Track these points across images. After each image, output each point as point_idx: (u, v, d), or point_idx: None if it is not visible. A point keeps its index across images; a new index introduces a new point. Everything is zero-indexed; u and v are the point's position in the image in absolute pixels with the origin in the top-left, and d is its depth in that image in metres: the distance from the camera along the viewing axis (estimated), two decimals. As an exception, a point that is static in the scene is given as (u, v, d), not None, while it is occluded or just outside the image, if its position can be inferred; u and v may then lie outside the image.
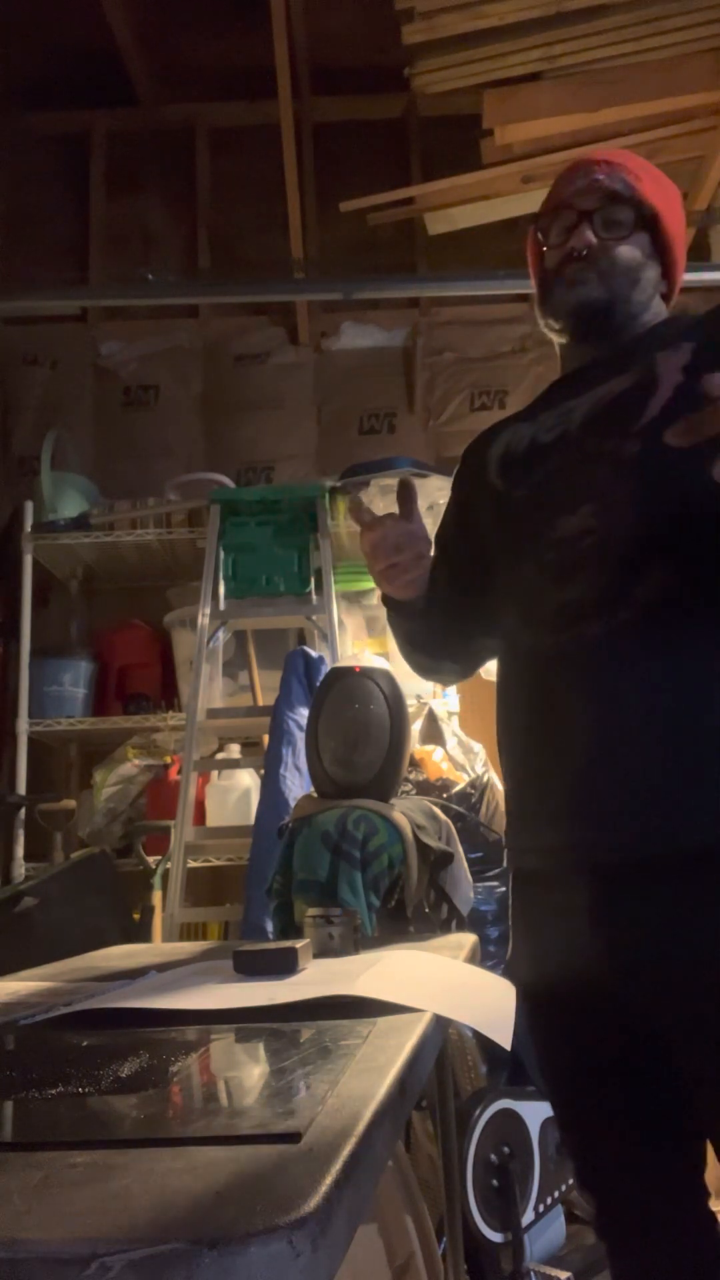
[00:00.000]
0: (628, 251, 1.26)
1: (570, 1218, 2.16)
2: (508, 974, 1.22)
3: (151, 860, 2.97)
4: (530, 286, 1.37)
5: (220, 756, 3.19)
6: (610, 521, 1.14)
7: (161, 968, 1.22)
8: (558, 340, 1.34)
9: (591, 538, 1.15)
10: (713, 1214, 1.18)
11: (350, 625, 3.20)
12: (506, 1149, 1.98)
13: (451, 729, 2.95)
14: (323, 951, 1.20)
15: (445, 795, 2.53)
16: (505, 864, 1.37)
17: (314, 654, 2.85)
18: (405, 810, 2.02)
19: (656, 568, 1.11)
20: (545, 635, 1.17)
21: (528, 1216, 1.98)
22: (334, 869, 1.89)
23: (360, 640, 3.21)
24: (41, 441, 3.57)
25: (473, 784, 2.62)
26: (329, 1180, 0.47)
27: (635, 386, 1.19)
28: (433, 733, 2.93)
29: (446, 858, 2.01)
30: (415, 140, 4.00)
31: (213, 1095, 0.69)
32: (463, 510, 1.42)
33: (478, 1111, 1.96)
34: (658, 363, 1.19)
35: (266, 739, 2.81)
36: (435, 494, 3.18)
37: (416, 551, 1.31)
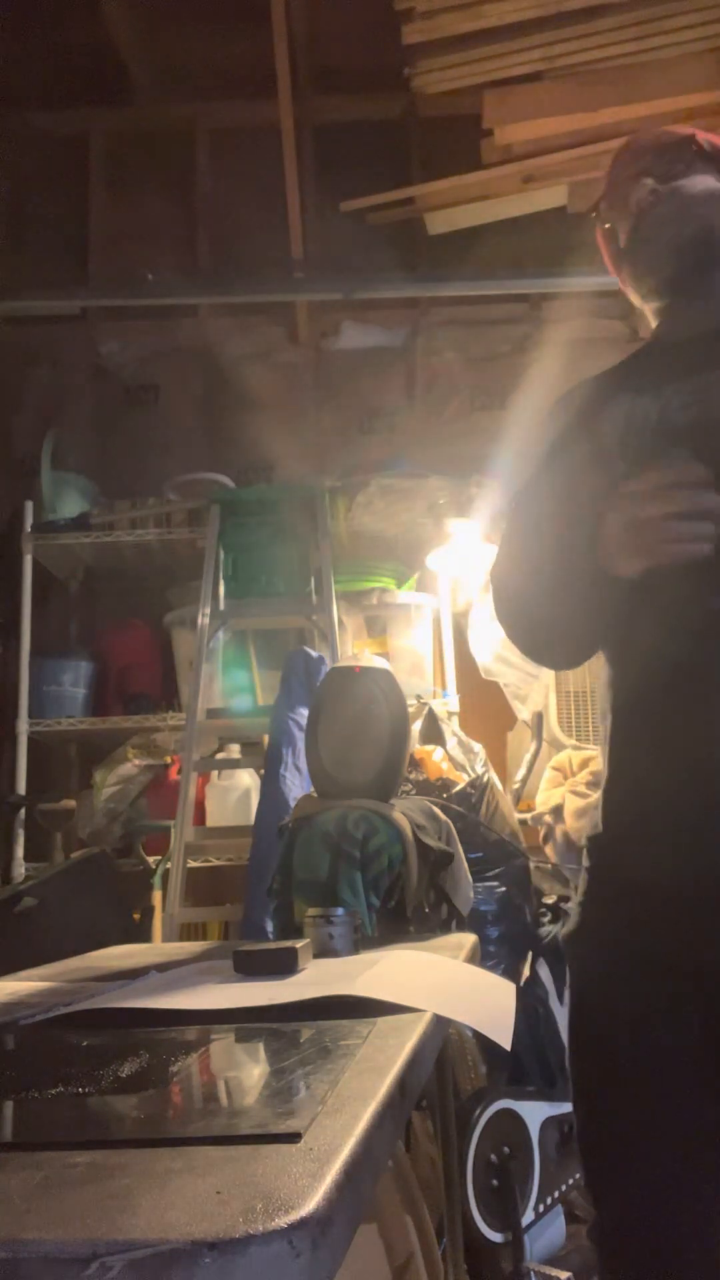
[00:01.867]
0: (694, 185, 1.19)
1: (570, 1218, 2.16)
2: (565, 945, 1.17)
3: (151, 860, 2.97)
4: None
5: (220, 756, 3.19)
6: None
7: (161, 968, 1.22)
8: (658, 305, 1.25)
9: None
10: None
11: (350, 625, 3.20)
12: (506, 1149, 1.98)
13: (451, 729, 2.95)
14: (323, 951, 1.20)
15: (445, 795, 2.53)
16: (585, 861, 1.23)
17: (314, 654, 2.85)
18: (405, 810, 2.02)
19: None
20: (697, 645, 1.07)
21: (528, 1216, 1.98)
22: (334, 869, 1.89)
23: (360, 640, 3.21)
24: (41, 441, 3.57)
25: (473, 784, 2.62)
26: (329, 1180, 0.47)
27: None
28: (433, 733, 2.93)
29: (446, 858, 2.01)
30: (415, 140, 4.00)
31: (213, 1095, 0.69)
32: (567, 484, 1.21)
33: (478, 1111, 1.96)
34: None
35: (266, 739, 2.81)
36: (435, 494, 3.18)
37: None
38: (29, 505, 3.38)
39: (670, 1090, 1.06)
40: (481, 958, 1.59)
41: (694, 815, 1.05)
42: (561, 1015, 2.19)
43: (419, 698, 2.94)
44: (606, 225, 1.27)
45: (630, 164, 1.24)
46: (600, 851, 1.18)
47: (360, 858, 1.89)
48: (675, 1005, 1.05)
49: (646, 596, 1.10)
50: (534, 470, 1.28)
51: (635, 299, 1.26)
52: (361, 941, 1.27)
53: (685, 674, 1.08)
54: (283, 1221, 0.42)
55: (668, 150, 1.22)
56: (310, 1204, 0.44)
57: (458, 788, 2.59)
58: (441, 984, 1.10)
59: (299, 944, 1.09)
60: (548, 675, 2.99)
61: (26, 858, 3.19)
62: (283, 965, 1.06)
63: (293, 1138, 0.54)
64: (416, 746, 2.77)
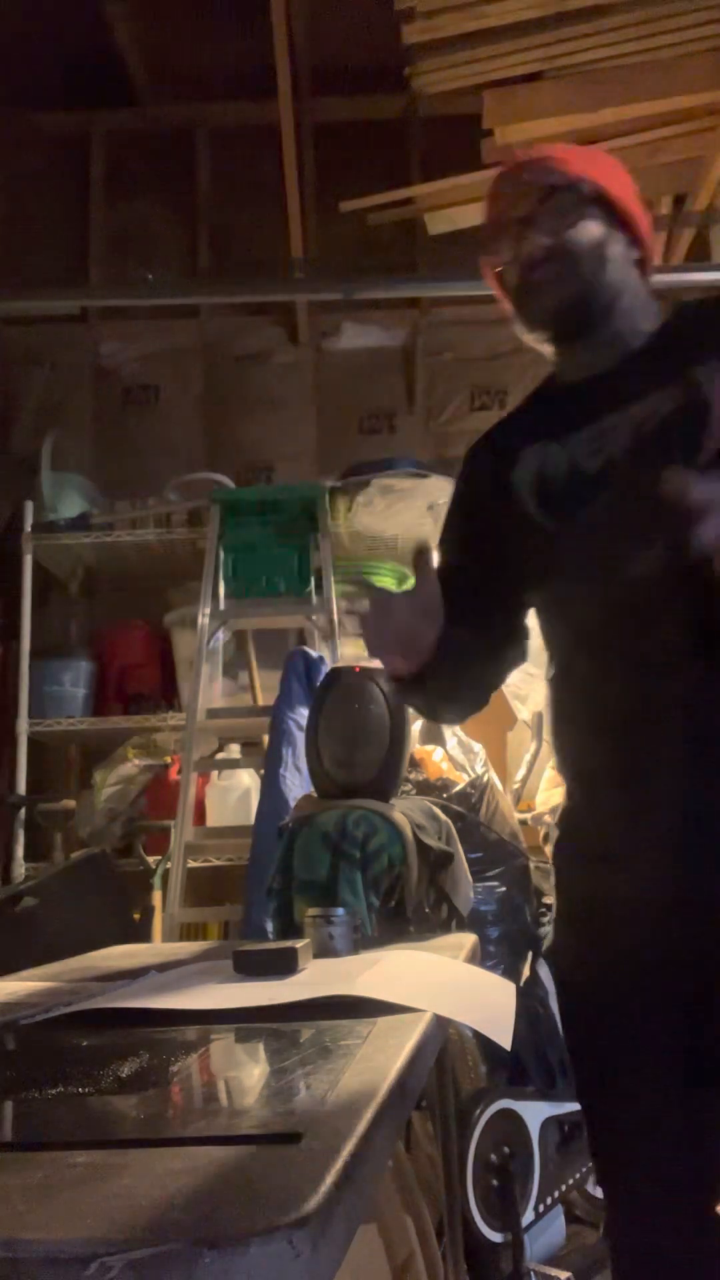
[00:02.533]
0: (584, 231, 1.18)
1: (570, 1218, 2.16)
2: (549, 961, 1.23)
3: (151, 860, 2.97)
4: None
5: (220, 756, 3.19)
6: (684, 567, 1.06)
7: (161, 968, 1.22)
8: (548, 350, 1.28)
9: (669, 582, 1.09)
10: None
11: (350, 625, 3.20)
12: (506, 1149, 1.98)
13: (451, 729, 2.95)
14: (323, 951, 1.20)
15: (445, 795, 2.53)
16: (551, 863, 1.32)
17: (314, 654, 2.85)
18: (405, 810, 2.02)
19: None
20: (624, 687, 1.14)
21: (528, 1216, 1.97)
22: (334, 869, 1.89)
23: (360, 640, 3.21)
24: (41, 441, 3.57)
25: (473, 784, 2.62)
26: (329, 1180, 0.47)
27: (682, 413, 1.13)
28: (433, 733, 2.93)
29: (446, 858, 2.01)
30: (415, 140, 4.00)
31: (213, 1095, 0.69)
32: (481, 535, 1.31)
33: (478, 1111, 1.95)
34: (700, 384, 1.13)
35: (266, 739, 2.81)
36: (435, 494, 3.18)
37: (427, 632, 1.19)
38: (29, 505, 3.38)
39: (657, 1090, 1.12)
40: (481, 958, 1.59)
41: (644, 843, 1.12)
42: (561, 1015, 2.18)
43: (419, 698, 2.93)
44: (497, 269, 1.25)
45: (520, 201, 1.21)
46: (560, 871, 1.28)
47: (360, 858, 1.89)
48: (648, 1016, 1.12)
49: (575, 636, 1.21)
50: (449, 522, 1.37)
51: (527, 338, 1.28)
52: (361, 941, 1.27)
53: (630, 713, 1.14)
54: (283, 1221, 0.42)
55: (558, 197, 1.19)
56: (310, 1204, 0.44)
57: (458, 788, 2.58)
58: (441, 984, 1.10)
59: (299, 944, 1.09)
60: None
61: (26, 858, 3.19)
62: (283, 965, 1.06)
63: (293, 1138, 0.54)
64: (416, 746, 2.77)
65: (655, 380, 1.16)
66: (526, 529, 1.23)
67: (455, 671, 1.27)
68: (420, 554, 1.21)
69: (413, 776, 2.60)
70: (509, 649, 1.33)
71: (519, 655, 1.35)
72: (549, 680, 1.27)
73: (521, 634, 1.33)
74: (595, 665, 1.18)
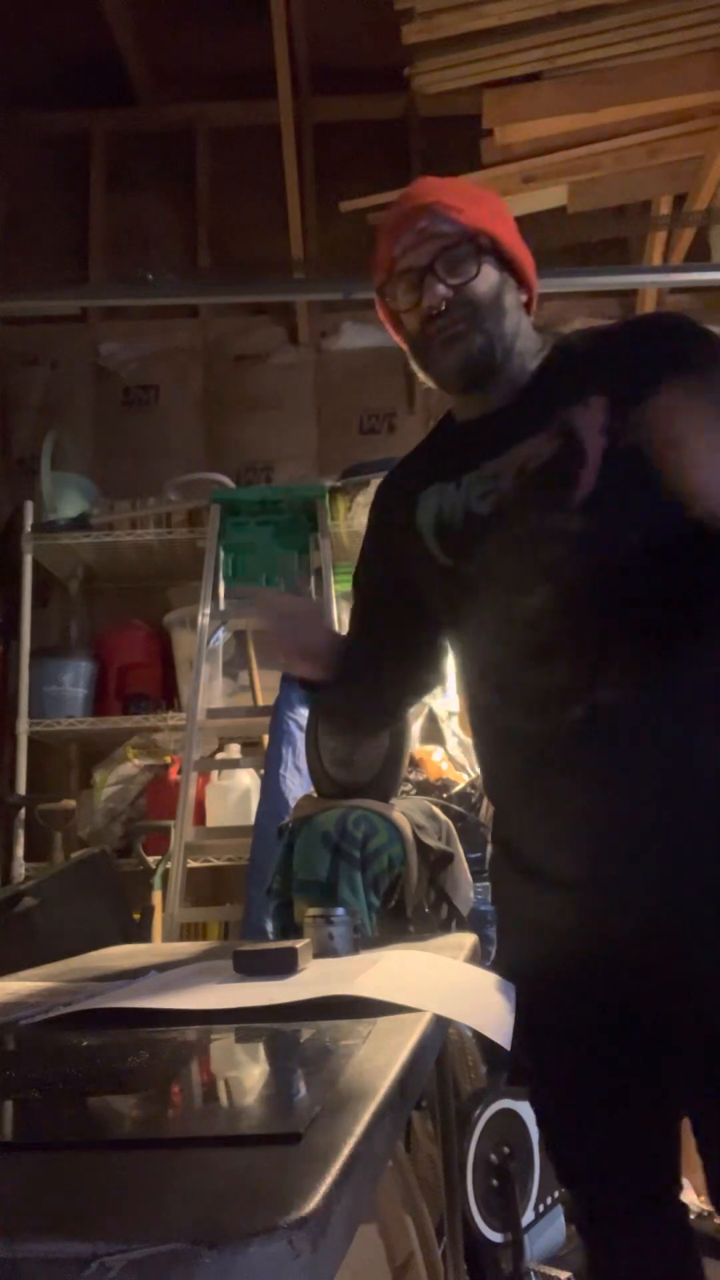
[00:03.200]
0: (482, 286, 1.21)
1: (570, 1218, 2.16)
2: (495, 965, 1.26)
3: (151, 860, 2.97)
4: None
5: (220, 756, 3.19)
6: (572, 602, 1.14)
7: (161, 968, 1.22)
8: (446, 393, 1.31)
9: (557, 619, 1.15)
10: (684, 1206, 1.25)
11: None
12: (506, 1149, 1.98)
13: (451, 729, 2.95)
14: (323, 951, 1.20)
15: (445, 795, 2.53)
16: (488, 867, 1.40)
17: (314, 654, 2.84)
18: (405, 810, 2.02)
19: (626, 644, 1.12)
20: (527, 718, 1.17)
21: (528, 1216, 1.98)
22: (334, 869, 1.89)
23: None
24: (41, 441, 3.57)
25: (473, 784, 2.62)
26: (329, 1180, 0.47)
27: (561, 454, 1.17)
28: (433, 733, 2.93)
29: (446, 858, 2.01)
30: (415, 140, 4.00)
31: (213, 1095, 0.69)
32: (392, 570, 1.38)
33: (478, 1111, 1.95)
34: (576, 424, 1.17)
35: (266, 739, 2.81)
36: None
37: (319, 636, 1.38)
38: (29, 505, 3.38)
39: (590, 1095, 1.22)
40: (481, 958, 1.59)
41: (557, 864, 1.18)
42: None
43: (419, 698, 2.94)
44: (397, 312, 1.27)
45: (418, 249, 1.21)
46: (494, 884, 1.36)
47: (360, 858, 1.89)
48: (576, 1021, 1.21)
49: (479, 671, 1.27)
50: (365, 552, 1.44)
51: (423, 378, 1.30)
52: (361, 941, 1.27)
53: (529, 745, 1.18)
54: (283, 1221, 0.42)
55: (456, 249, 1.20)
56: (310, 1204, 0.44)
57: (458, 788, 2.58)
58: (441, 984, 1.10)
59: (299, 944, 1.09)
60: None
61: (26, 858, 3.19)
62: (283, 965, 1.06)
63: (293, 1138, 0.54)
64: (416, 746, 2.77)
65: (536, 421, 1.20)
66: (431, 569, 1.29)
67: (364, 686, 1.40)
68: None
69: (413, 776, 2.61)
70: (424, 673, 1.42)
71: (435, 680, 1.45)
72: (465, 711, 1.37)
73: (436, 660, 1.42)
74: (499, 698, 1.22)
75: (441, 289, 1.20)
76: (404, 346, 1.31)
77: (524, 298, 1.28)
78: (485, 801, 2.58)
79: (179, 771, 2.95)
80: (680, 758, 1.10)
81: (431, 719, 2.95)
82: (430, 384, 1.30)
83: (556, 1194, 2.07)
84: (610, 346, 1.25)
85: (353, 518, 3.29)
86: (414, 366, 1.30)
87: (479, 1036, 2.04)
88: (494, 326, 1.22)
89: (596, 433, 1.16)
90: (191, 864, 2.91)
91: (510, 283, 1.25)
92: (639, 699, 1.11)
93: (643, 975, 1.14)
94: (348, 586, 3.21)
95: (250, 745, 3.17)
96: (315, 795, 2.16)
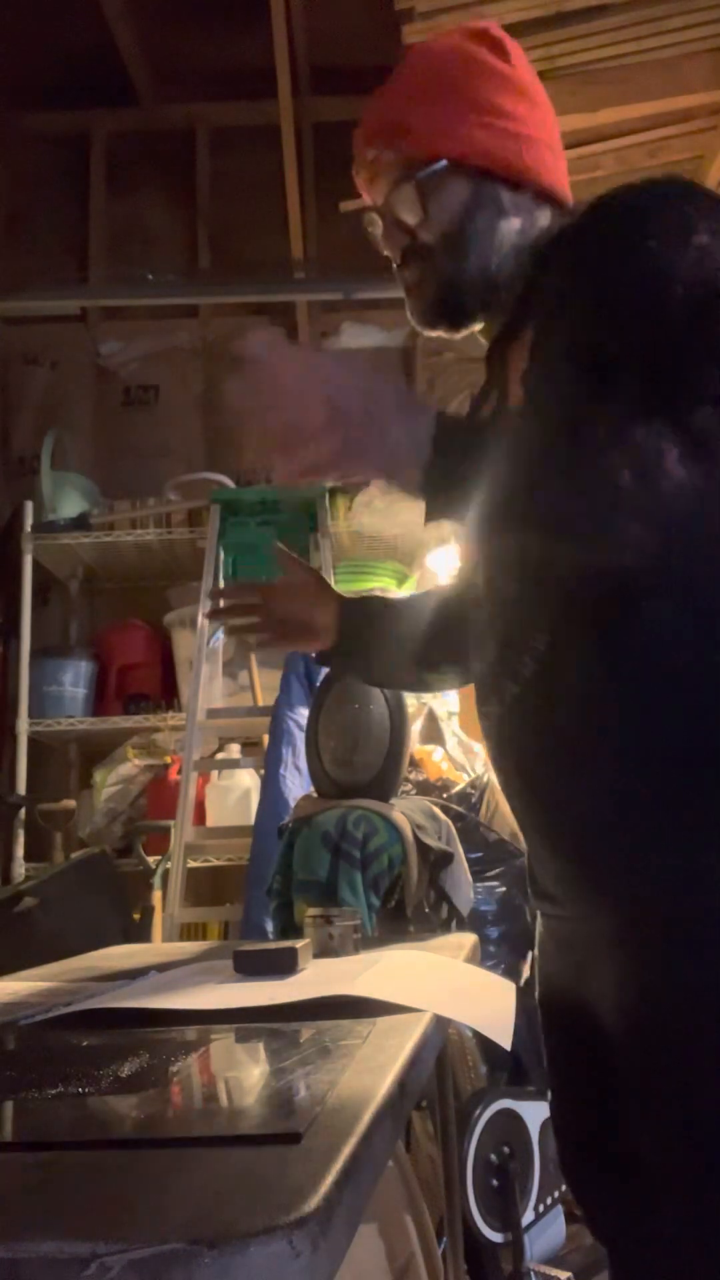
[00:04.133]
0: (439, 221, 1.04)
1: (570, 1218, 2.16)
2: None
3: (151, 860, 2.97)
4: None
5: (220, 756, 3.19)
6: (496, 588, 1.04)
7: (161, 968, 1.22)
8: None
9: (487, 607, 1.06)
10: None
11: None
12: (506, 1149, 1.98)
13: (451, 729, 2.95)
14: (323, 951, 1.20)
15: (445, 795, 2.53)
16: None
17: (314, 654, 2.84)
18: (405, 810, 2.02)
19: (534, 639, 0.99)
20: (482, 704, 1.10)
21: (528, 1216, 1.98)
22: (334, 869, 1.89)
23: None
24: (41, 441, 3.57)
25: (473, 784, 2.62)
26: (329, 1180, 0.47)
27: (496, 408, 1.04)
28: (433, 733, 2.93)
29: (446, 858, 2.01)
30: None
31: (213, 1095, 0.69)
32: None
33: (478, 1111, 1.95)
34: (508, 369, 1.02)
35: (266, 739, 2.81)
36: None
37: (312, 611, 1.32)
38: (29, 505, 3.38)
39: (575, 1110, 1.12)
40: (481, 958, 1.59)
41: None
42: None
43: (419, 698, 2.94)
44: (376, 236, 1.14)
45: (372, 186, 1.10)
46: None
47: (360, 858, 1.89)
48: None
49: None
50: None
51: None
52: (361, 941, 1.27)
53: (485, 723, 1.10)
54: (283, 1221, 0.42)
55: (401, 173, 1.06)
56: (310, 1204, 0.44)
57: (458, 788, 2.58)
58: (441, 984, 1.10)
59: (299, 944, 1.09)
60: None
61: (26, 858, 3.19)
62: (283, 965, 1.06)
63: (293, 1138, 0.53)
64: (416, 746, 2.77)
65: (494, 363, 1.07)
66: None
67: (393, 646, 1.31)
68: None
69: (413, 776, 2.61)
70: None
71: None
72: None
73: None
74: (475, 681, 1.14)
75: (397, 233, 1.07)
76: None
77: (530, 194, 1.06)
78: (485, 801, 2.58)
79: (179, 771, 2.95)
80: (568, 768, 0.98)
81: (431, 719, 2.95)
82: None
83: (556, 1194, 2.07)
84: (558, 249, 1.02)
85: (353, 518, 3.29)
86: None
87: (479, 1036, 2.04)
88: (457, 265, 1.05)
89: (516, 383, 1.00)
90: (191, 864, 2.91)
91: (490, 191, 1.05)
92: (539, 700, 1.00)
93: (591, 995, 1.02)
94: (348, 587, 3.23)
95: (250, 745, 3.17)
96: (315, 795, 2.15)
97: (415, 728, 2.84)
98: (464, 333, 1.13)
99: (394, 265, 1.12)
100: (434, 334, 1.14)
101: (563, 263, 0.99)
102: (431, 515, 0.93)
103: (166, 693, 3.45)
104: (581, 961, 1.03)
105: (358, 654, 1.36)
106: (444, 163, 1.04)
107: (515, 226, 1.05)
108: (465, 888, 2.08)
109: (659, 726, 0.93)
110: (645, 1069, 0.93)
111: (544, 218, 1.06)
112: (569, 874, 1.01)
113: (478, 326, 1.12)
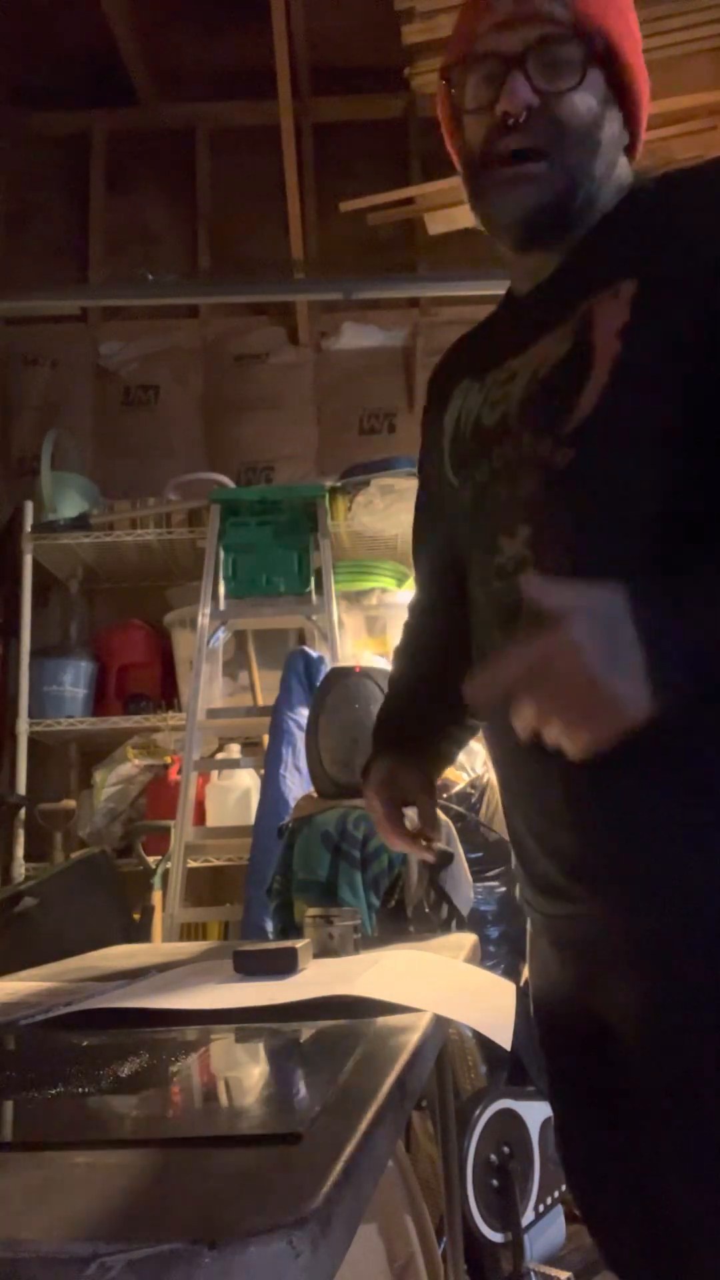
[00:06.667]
0: (581, 104, 0.90)
1: (570, 1218, 2.16)
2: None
3: (151, 860, 2.97)
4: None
5: (220, 756, 3.19)
6: (544, 554, 0.90)
7: (161, 968, 1.22)
8: (501, 244, 0.99)
9: (527, 572, 0.90)
10: None
11: (350, 625, 3.20)
12: (506, 1149, 1.98)
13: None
14: (323, 951, 1.20)
15: (445, 795, 2.53)
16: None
17: (314, 654, 2.85)
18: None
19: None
20: (511, 762, 0.98)
21: (528, 1216, 1.98)
22: (334, 869, 1.89)
23: (360, 640, 3.21)
24: (41, 441, 3.57)
25: (473, 784, 2.62)
26: (329, 1180, 0.47)
27: (569, 360, 0.89)
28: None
29: (446, 858, 2.00)
30: (415, 140, 4.00)
31: (213, 1095, 0.69)
32: (429, 496, 1.17)
33: (478, 1111, 1.95)
34: (595, 319, 0.88)
35: (266, 739, 2.81)
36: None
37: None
38: (29, 505, 3.38)
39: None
40: (481, 958, 1.59)
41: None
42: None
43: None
44: (460, 109, 0.97)
45: (512, 28, 0.90)
46: None
47: (360, 858, 1.89)
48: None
49: (473, 620, 1.04)
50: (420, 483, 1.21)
51: (471, 214, 0.99)
52: (361, 941, 1.27)
53: (496, 723, 0.98)
54: (283, 1221, 0.42)
55: (559, 46, 0.90)
56: (310, 1204, 0.44)
57: (458, 788, 2.58)
58: (441, 984, 1.10)
59: (299, 944, 1.09)
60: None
61: (26, 858, 3.19)
62: (283, 965, 1.06)
63: (293, 1138, 0.54)
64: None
65: (563, 308, 0.92)
66: (446, 489, 1.05)
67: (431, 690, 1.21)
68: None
69: (413, 776, 2.60)
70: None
71: None
72: None
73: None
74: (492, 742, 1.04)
75: (526, 92, 0.89)
76: (455, 161, 1.00)
77: (626, 140, 0.97)
78: (485, 801, 2.58)
79: (179, 771, 2.95)
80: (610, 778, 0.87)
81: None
82: (478, 224, 0.98)
83: (556, 1194, 2.07)
84: (677, 197, 0.90)
85: (353, 518, 3.29)
86: (465, 195, 0.98)
87: (479, 1036, 2.04)
88: (581, 164, 0.91)
89: (613, 336, 0.86)
90: (191, 864, 2.91)
91: (615, 112, 0.94)
92: None
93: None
94: (348, 586, 3.24)
95: (250, 745, 3.17)
96: (315, 795, 2.16)
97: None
98: (524, 251, 0.97)
99: (487, 132, 0.92)
100: (506, 236, 0.96)
101: (687, 216, 0.87)
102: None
103: (166, 693, 3.45)
104: (585, 958, 0.98)
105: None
106: (611, 41, 0.91)
107: (615, 157, 0.95)
108: (465, 888, 2.07)
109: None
110: (661, 1069, 0.88)
111: (624, 166, 0.97)
112: (589, 865, 0.92)
113: (552, 256, 0.97)
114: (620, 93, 0.94)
